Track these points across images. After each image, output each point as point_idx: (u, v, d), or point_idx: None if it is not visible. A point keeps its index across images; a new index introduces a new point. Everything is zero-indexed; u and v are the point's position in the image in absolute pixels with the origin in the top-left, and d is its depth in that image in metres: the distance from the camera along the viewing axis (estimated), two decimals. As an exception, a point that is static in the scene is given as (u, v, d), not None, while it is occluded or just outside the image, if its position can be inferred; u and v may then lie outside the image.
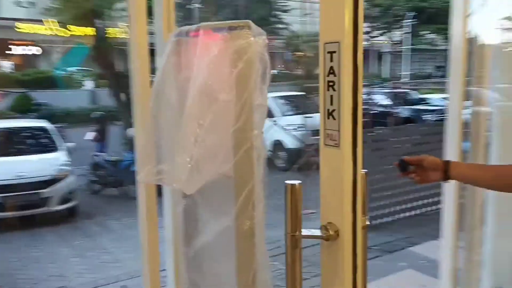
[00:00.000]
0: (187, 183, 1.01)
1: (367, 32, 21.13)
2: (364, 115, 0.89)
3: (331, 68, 0.86)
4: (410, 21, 21.66)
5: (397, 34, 23.69)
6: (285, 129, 8.63)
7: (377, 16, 20.89)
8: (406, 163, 1.24)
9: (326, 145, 0.90)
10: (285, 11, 19.63)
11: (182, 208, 1.23)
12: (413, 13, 21.06)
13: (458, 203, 1.76)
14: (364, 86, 0.96)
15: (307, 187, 1.05)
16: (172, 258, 1.45)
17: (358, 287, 0.92)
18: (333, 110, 0.87)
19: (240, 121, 1.00)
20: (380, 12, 21.04)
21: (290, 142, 8.46)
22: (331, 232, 0.91)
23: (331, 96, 0.87)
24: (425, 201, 5.30)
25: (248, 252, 1.07)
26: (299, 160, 7.42)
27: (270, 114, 8.68)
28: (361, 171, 0.89)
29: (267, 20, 17.43)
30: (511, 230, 2.19)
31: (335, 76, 0.86)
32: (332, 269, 0.94)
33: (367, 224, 0.97)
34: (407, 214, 5.21)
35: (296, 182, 0.92)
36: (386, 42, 24.54)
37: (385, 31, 22.88)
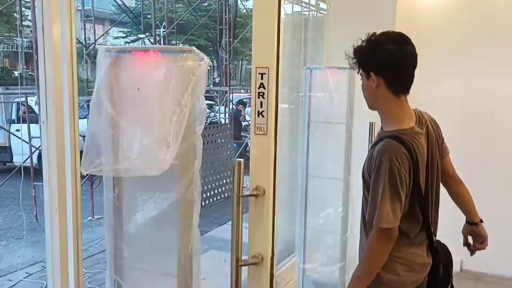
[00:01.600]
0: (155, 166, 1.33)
1: (118, 37, 21.45)
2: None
3: (262, 83, 1.34)
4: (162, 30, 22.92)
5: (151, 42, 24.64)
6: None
7: (128, 22, 21.42)
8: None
9: (256, 134, 1.38)
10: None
11: (117, 194, 1.51)
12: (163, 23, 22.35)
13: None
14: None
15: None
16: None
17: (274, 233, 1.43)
18: (262, 111, 1.35)
19: (189, 121, 1.38)
20: (132, 19, 21.64)
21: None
22: (260, 191, 1.38)
23: (261, 102, 1.35)
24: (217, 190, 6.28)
25: (189, 219, 1.45)
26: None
27: (35, 120, 8.21)
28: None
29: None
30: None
31: (264, 88, 1.34)
32: (259, 218, 1.41)
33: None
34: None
35: (241, 160, 1.37)
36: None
37: (136, 38, 23.59)
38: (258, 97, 1.35)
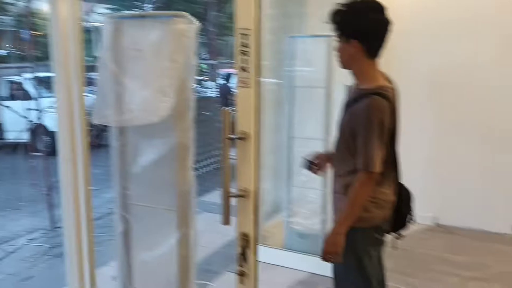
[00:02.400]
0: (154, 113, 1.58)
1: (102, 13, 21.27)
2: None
3: (245, 43, 1.57)
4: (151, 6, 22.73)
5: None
6: (46, 111, 8.42)
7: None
8: (310, 164, 2.10)
9: (241, 87, 1.62)
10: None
11: (122, 141, 1.76)
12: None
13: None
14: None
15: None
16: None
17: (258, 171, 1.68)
18: (246, 67, 1.59)
19: (183, 75, 1.62)
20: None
21: (52, 125, 8.34)
22: (245, 135, 1.63)
23: (245, 59, 1.59)
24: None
25: (185, 160, 1.70)
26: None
27: (27, 97, 8.35)
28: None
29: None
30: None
31: (247, 47, 1.57)
32: (245, 158, 1.66)
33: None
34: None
35: (229, 108, 1.61)
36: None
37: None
38: (242, 55, 1.59)
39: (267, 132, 3.74)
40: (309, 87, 3.38)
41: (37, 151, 5.90)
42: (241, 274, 1.69)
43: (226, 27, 18.09)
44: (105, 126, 1.74)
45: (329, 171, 2.21)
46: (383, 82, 1.95)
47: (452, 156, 4.22)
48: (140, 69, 1.65)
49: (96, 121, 1.68)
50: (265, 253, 3.52)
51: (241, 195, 1.65)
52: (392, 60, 4.15)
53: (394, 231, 2.17)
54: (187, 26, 1.60)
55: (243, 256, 1.68)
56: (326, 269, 2.18)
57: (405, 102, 4.30)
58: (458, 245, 3.86)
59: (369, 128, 1.85)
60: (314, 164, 2.23)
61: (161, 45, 1.59)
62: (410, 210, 2.15)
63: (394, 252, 3.71)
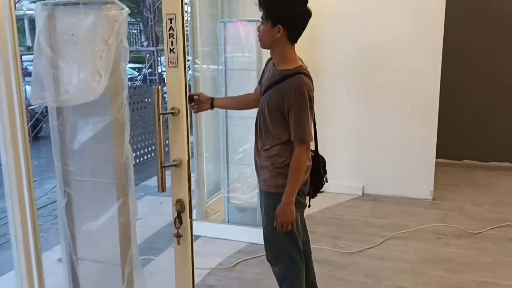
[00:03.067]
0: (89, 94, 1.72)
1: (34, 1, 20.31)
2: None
3: (171, 27, 1.75)
4: None
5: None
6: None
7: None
8: (192, 97, 2.27)
9: (170, 67, 1.79)
10: None
11: (61, 121, 1.89)
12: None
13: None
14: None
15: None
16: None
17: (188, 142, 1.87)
18: (173, 48, 1.76)
19: (116, 57, 1.77)
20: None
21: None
22: (175, 111, 1.81)
23: (172, 41, 1.76)
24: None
25: (121, 136, 1.86)
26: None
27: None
28: (187, 78, 1.84)
29: None
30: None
31: (173, 31, 1.75)
32: (176, 131, 1.84)
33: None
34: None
35: (159, 86, 1.78)
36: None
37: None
38: (169, 38, 1.76)
39: (208, 114, 3.92)
40: (242, 70, 3.58)
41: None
42: (178, 236, 1.88)
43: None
44: (43, 117, 1.86)
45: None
46: (301, 64, 2.19)
47: (374, 132, 4.60)
48: (75, 53, 1.78)
49: (34, 102, 1.80)
50: (208, 228, 3.76)
51: (175, 165, 1.83)
52: (321, 42, 4.48)
53: (313, 193, 2.44)
54: (118, 12, 1.75)
55: (178, 220, 1.87)
56: (261, 238, 2.42)
57: (332, 80, 4.66)
58: (383, 211, 4.26)
59: (301, 103, 2.10)
60: (195, 102, 2.42)
61: (94, 30, 1.73)
62: (325, 173, 2.43)
63: (325, 219, 4.05)
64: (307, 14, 2.13)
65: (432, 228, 3.81)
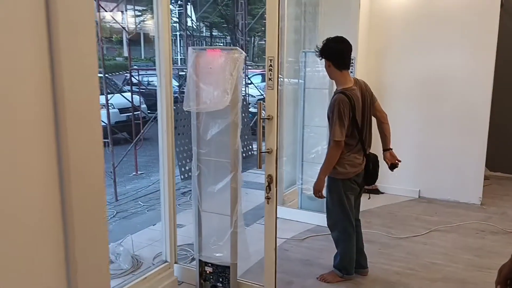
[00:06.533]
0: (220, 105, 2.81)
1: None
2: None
3: (271, 64, 2.79)
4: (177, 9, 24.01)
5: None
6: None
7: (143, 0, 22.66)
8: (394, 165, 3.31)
9: (268, 89, 2.83)
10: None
11: (198, 121, 3.00)
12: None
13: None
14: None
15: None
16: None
17: (277, 136, 2.90)
18: (271, 78, 2.80)
19: (236, 83, 2.85)
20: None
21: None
22: (271, 117, 2.85)
23: (270, 73, 2.79)
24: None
25: (235, 132, 2.93)
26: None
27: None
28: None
29: None
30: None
31: (272, 67, 2.79)
32: (271, 130, 2.87)
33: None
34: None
35: (261, 101, 2.83)
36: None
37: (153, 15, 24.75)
38: (269, 71, 2.77)
39: (287, 121, 4.95)
40: (316, 88, 4.57)
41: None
42: (268, 198, 2.90)
43: (251, 28, 19.32)
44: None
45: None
46: (349, 86, 3.14)
47: (432, 144, 5.35)
48: (212, 78, 2.89)
49: (184, 109, 2.93)
50: (285, 212, 4.77)
51: (268, 152, 2.86)
52: (391, 67, 5.34)
53: (366, 184, 3.36)
54: (239, 55, 2.83)
55: (268, 188, 2.89)
56: (325, 221, 3.41)
57: (398, 99, 5.50)
58: (433, 210, 5.00)
59: (333, 113, 3.07)
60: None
61: (224, 65, 2.83)
62: (376, 171, 3.31)
63: (381, 214, 4.90)
64: (344, 50, 3.09)
65: (473, 225, 4.51)
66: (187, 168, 6.68)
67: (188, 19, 13.00)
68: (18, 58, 0.99)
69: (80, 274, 1.31)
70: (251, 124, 8.77)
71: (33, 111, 1.05)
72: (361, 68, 4.80)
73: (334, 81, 3.24)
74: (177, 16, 18.70)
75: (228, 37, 24.25)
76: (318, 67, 4.53)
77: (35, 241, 1.21)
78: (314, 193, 3.23)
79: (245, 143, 8.21)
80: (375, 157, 3.33)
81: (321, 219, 4.34)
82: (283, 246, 4.07)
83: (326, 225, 3.49)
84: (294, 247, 4.07)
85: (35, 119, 1.06)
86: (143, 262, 3.68)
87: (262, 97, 12.63)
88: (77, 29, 1.05)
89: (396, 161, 3.33)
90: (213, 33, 26.00)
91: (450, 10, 5.07)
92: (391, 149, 3.35)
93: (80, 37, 1.05)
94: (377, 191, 5.44)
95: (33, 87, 1.03)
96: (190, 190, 5.37)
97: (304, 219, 4.63)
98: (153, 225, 4.62)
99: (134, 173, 8.04)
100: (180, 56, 25.11)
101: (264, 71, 2.85)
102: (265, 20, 2.83)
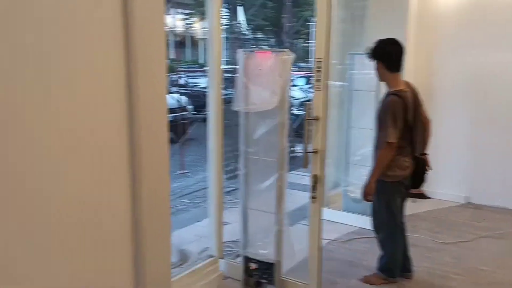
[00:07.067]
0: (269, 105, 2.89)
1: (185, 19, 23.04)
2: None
3: (319, 66, 2.83)
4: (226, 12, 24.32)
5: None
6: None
7: (191, 3, 23.12)
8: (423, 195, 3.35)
9: (316, 90, 2.88)
10: None
11: (247, 121, 3.08)
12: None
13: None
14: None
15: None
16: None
17: (324, 137, 2.94)
18: (319, 79, 2.84)
19: (284, 84, 2.92)
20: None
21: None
22: (318, 117, 2.89)
23: (318, 75, 2.84)
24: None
25: (283, 131, 2.99)
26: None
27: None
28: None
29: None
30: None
31: (320, 68, 2.83)
32: (317, 130, 2.92)
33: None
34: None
35: (308, 101, 2.89)
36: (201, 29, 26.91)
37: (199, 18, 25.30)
38: (317, 72, 2.82)
39: (331, 123, 4.97)
40: (363, 90, 4.57)
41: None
42: (313, 198, 2.95)
43: (297, 31, 19.34)
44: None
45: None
46: (401, 88, 3.13)
47: (481, 148, 5.21)
48: (261, 80, 2.97)
49: (234, 109, 3.03)
50: (328, 213, 4.77)
51: (315, 152, 2.91)
52: (440, 67, 5.26)
53: (413, 187, 3.33)
54: (288, 57, 2.89)
55: (314, 188, 2.94)
56: (369, 224, 3.42)
57: (447, 99, 5.39)
58: (482, 216, 4.87)
59: (386, 115, 3.06)
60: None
61: (273, 67, 2.90)
62: (424, 174, 3.28)
63: (428, 218, 4.82)
64: (396, 51, 3.08)
65: (524, 233, 4.37)
66: (230, 168, 6.82)
67: (237, 22, 13.19)
68: (101, 59, 1.10)
69: (147, 267, 1.41)
70: (294, 126, 8.82)
71: (112, 111, 1.16)
72: (410, 68, 4.76)
73: (384, 83, 3.23)
74: (229, 19, 19.03)
75: (272, 40, 24.42)
76: (365, 69, 4.53)
77: (110, 239, 1.32)
78: (363, 196, 3.23)
79: (288, 144, 8.23)
80: (423, 160, 3.31)
81: (364, 222, 4.32)
82: (327, 247, 4.09)
83: (370, 227, 3.49)
84: (337, 248, 4.09)
85: (114, 119, 1.16)
86: (190, 256, 3.80)
87: (305, 99, 12.71)
88: (150, 33, 1.15)
89: (427, 167, 3.29)
90: (258, 36, 26.20)
91: (501, 9, 4.93)
92: (427, 154, 3.31)
93: (152, 41, 1.15)
94: (423, 196, 5.35)
95: (112, 89, 1.14)
96: (234, 189, 5.48)
97: (347, 221, 4.63)
98: (199, 221, 4.76)
99: (179, 172, 8.26)
100: (225, 58, 25.33)
101: (308, 73, 2.90)
102: (309, 22, 2.88)
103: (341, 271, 3.63)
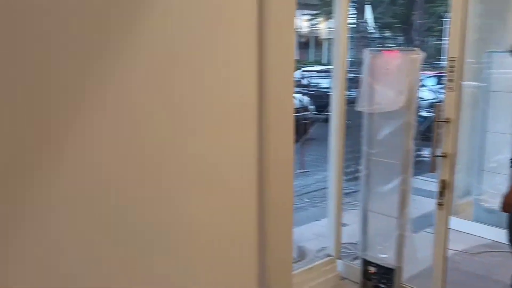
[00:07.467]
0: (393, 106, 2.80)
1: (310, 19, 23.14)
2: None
3: (452, 65, 2.67)
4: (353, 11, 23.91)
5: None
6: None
7: (317, 4, 23.14)
8: None
9: (448, 91, 2.72)
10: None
11: (371, 121, 3.02)
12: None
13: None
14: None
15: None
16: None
17: (454, 141, 2.76)
18: (452, 79, 2.68)
19: (411, 83, 2.80)
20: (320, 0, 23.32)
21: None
22: (450, 120, 2.73)
23: (452, 74, 2.68)
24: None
25: (409, 134, 2.88)
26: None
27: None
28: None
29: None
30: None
31: (453, 67, 2.66)
32: (448, 134, 2.75)
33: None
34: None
35: (439, 102, 2.74)
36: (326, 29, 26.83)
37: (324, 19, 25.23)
38: (450, 72, 2.66)
39: (463, 126, 4.63)
40: (502, 92, 4.18)
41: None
42: (440, 204, 2.79)
43: (428, 28, 18.25)
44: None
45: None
46: None
47: None
48: (387, 79, 2.89)
49: (357, 109, 2.99)
50: (457, 223, 4.46)
51: (444, 156, 2.75)
52: None
53: None
54: (418, 56, 2.78)
55: (442, 194, 2.78)
56: (503, 237, 3.11)
57: None
58: None
59: None
60: None
61: (402, 66, 2.81)
62: None
63: None
64: None
65: None
66: (350, 169, 6.72)
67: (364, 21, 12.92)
68: (236, 62, 1.19)
69: (271, 264, 1.48)
70: (421, 129, 8.37)
71: (245, 112, 1.24)
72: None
73: None
74: (356, 18, 18.73)
75: (400, 38, 23.42)
76: (504, 68, 4.14)
77: (238, 235, 1.41)
78: (503, 207, 2.95)
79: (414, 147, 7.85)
80: None
81: (498, 234, 3.95)
82: (454, 258, 3.83)
83: (506, 241, 3.18)
84: (465, 260, 3.81)
85: (246, 120, 1.25)
86: (308, 254, 3.85)
87: (434, 100, 11.95)
88: (281, 36, 1.21)
89: None
90: (385, 34, 25.31)
91: None
92: None
93: (283, 43, 1.21)
94: None
95: (245, 90, 1.23)
96: (353, 191, 5.40)
97: (478, 233, 4.28)
98: (317, 220, 4.78)
99: (299, 171, 8.35)
100: (349, 58, 24.92)
101: (439, 73, 2.74)
102: (442, 18, 2.72)
103: (469, 284, 3.38)
